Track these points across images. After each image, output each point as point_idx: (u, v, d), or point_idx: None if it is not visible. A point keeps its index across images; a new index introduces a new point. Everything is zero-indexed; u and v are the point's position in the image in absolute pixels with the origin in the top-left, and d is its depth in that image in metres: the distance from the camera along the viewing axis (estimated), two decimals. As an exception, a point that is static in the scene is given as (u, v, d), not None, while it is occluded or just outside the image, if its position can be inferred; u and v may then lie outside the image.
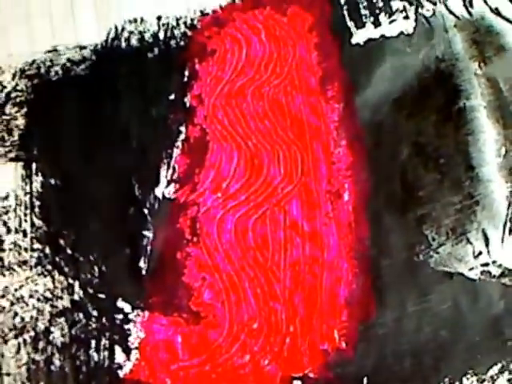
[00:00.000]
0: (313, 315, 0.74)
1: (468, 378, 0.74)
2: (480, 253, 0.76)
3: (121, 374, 0.72)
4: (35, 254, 0.74)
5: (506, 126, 0.79)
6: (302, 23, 0.84)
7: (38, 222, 0.75)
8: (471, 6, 0.84)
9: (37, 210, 0.75)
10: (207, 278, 0.75)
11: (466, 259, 0.76)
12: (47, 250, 0.74)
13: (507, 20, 0.83)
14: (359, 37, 0.83)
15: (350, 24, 0.83)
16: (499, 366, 0.75)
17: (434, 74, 0.81)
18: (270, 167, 0.79)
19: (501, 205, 0.77)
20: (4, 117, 0.78)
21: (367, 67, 0.81)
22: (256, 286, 0.75)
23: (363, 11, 0.83)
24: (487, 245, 0.76)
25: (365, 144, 0.79)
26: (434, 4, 0.84)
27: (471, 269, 0.76)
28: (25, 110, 0.78)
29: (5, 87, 0.79)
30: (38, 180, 0.76)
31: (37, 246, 0.74)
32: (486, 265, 0.76)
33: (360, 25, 0.83)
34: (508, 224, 0.76)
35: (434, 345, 0.74)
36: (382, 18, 0.83)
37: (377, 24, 0.83)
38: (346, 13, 0.84)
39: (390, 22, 0.83)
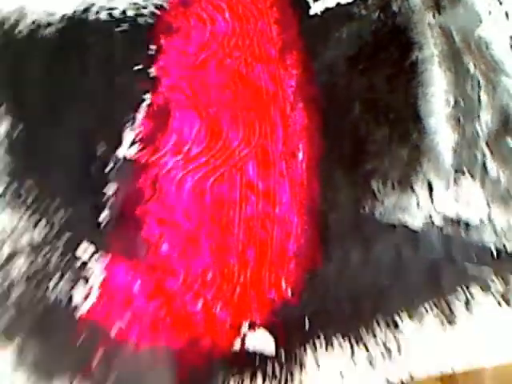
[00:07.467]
0: (263, 266, 0.75)
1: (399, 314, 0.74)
2: (424, 203, 0.76)
3: (77, 314, 0.72)
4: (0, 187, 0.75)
5: (458, 75, 0.81)
6: (263, 1, 0.88)
7: (6, 157, 0.77)
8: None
9: (6, 146, 0.77)
10: (165, 233, 0.75)
11: (410, 210, 0.76)
12: (15, 184, 0.75)
13: None
14: (316, 7, 0.86)
15: (308, -3, 0.87)
16: (430, 302, 0.74)
17: (390, 28, 0.83)
18: (229, 132, 0.81)
19: (446, 156, 0.77)
20: None
21: (325, 34, 0.84)
22: (211, 240, 0.75)
23: (320, -17, 0.87)
24: (431, 195, 0.76)
25: (320, 105, 0.81)
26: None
27: (414, 219, 0.75)
28: None
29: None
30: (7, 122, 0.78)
31: (5, 178, 0.76)
32: (429, 215, 0.76)
33: (317, -3, 0.87)
34: (452, 174, 0.77)
35: (372, 290, 0.74)
36: (338, -13, 0.87)
37: (333, -6, 0.87)
38: (304, -14, 0.87)
39: (346, -11, 0.86)
